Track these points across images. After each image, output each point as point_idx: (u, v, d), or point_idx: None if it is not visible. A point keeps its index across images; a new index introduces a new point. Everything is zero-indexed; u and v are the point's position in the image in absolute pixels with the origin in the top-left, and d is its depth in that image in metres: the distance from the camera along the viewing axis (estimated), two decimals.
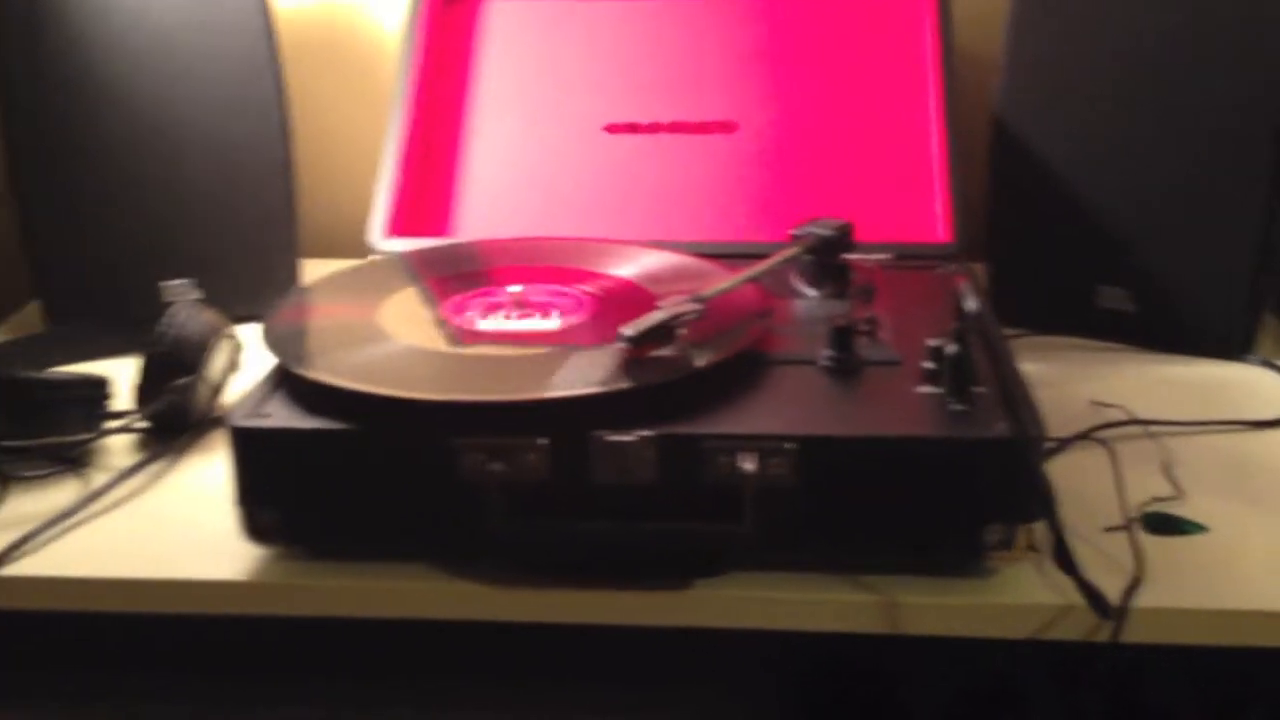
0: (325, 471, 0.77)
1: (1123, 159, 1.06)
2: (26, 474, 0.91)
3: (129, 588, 0.79)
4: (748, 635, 0.77)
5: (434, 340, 0.85)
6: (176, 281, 1.14)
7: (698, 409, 0.76)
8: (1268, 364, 1.04)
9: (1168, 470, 0.88)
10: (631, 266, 0.96)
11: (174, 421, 0.94)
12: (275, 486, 0.77)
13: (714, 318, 0.84)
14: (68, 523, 0.85)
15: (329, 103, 1.36)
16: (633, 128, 1.16)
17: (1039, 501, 0.73)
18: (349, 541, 0.79)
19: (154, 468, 0.92)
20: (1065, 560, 0.72)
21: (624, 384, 0.77)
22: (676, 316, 0.81)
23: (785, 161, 1.13)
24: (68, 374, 0.94)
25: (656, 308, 0.81)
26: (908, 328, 0.87)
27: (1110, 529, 0.80)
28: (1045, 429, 0.74)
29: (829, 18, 1.18)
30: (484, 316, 0.88)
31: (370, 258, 1.07)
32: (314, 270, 1.14)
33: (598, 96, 1.18)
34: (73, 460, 0.92)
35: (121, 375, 0.95)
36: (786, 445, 0.73)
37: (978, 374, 0.78)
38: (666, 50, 1.19)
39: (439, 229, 1.14)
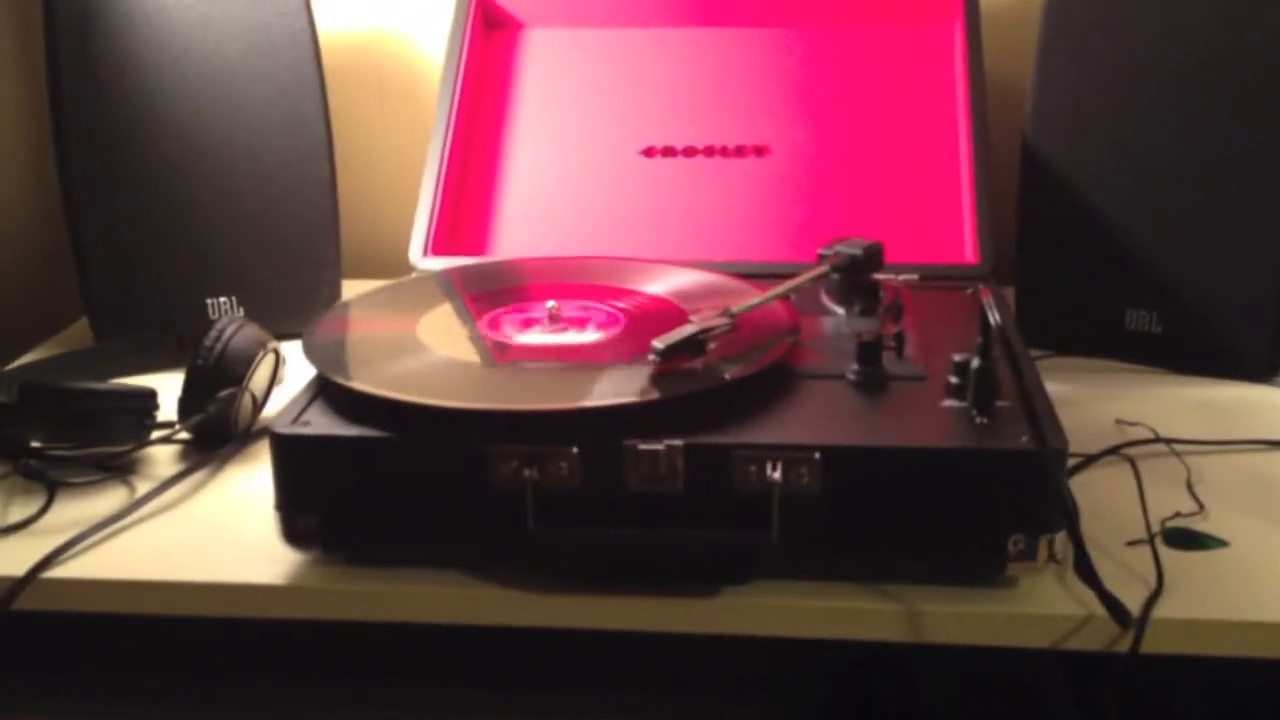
0: (363, 478, 0.79)
1: (1150, 183, 1.07)
2: (74, 480, 0.93)
3: (171, 590, 0.82)
4: (771, 641, 0.78)
5: (470, 353, 0.87)
6: (221, 299, 1.17)
7: (727, 420, 0.78)
8: None
9: (1190, 488, 0.89)
10: (663, 284, 0.98)
11: (217, 432, 0.96)
12: (314, 492, 0.80)
13: (744, 333, 0.86)
14: (113, 528, 0.87)
15: (371, 127, 1.39)
16: (667, 151, 1.18)
17: (1061, 513, 0.74)
18: (385, 547, 0.81)
19: (197, 477, 0.94)
20: (1086, 569, 0.74)
21: (655, 395, 0.79)
22: (707, 330, 0.83)
23: (816, 184, 1.15)
24: (116, 385, 0.96)
25: (688, 322, 0.83)
26: (934, 345, 0.89)
27: (1132, 543, 0.82)
28: (1068, 442, 0.75)
29: (861, 46, 1.21)
30: (519, 330, 0.90)
31: (410, 275, 1.09)
32: (354, 290, 1.16)
33: (633, 122, 1.20)
34: (119, 469, 0.95)
35: (166, 389, 0.98)
36: (813, 455, 0.75)
37: (1002, 388, 0.79)
38: (701, 77, 1.21)
39: (477, 249, 1.16)
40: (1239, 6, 1.02)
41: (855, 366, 0.84)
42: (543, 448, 0.77)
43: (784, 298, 0.92)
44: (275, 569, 0.82)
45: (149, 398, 0.96)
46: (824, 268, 0.96)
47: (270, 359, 1.00)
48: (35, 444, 0.96)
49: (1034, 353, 0.98)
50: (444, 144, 1.18)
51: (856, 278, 0.96)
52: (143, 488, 0.92)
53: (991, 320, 0.76)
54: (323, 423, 0.80)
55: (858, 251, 0.95)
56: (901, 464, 0.75)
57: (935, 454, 0.75)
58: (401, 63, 1.38)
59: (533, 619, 0.79)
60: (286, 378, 1.05)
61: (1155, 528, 0.83)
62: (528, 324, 0.91)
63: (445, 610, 0.80)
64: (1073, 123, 1.10)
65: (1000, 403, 0.79)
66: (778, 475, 0.75)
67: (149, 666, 0.93)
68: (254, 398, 0.98)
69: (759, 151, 1.18)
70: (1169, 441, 0.95)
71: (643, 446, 0.76)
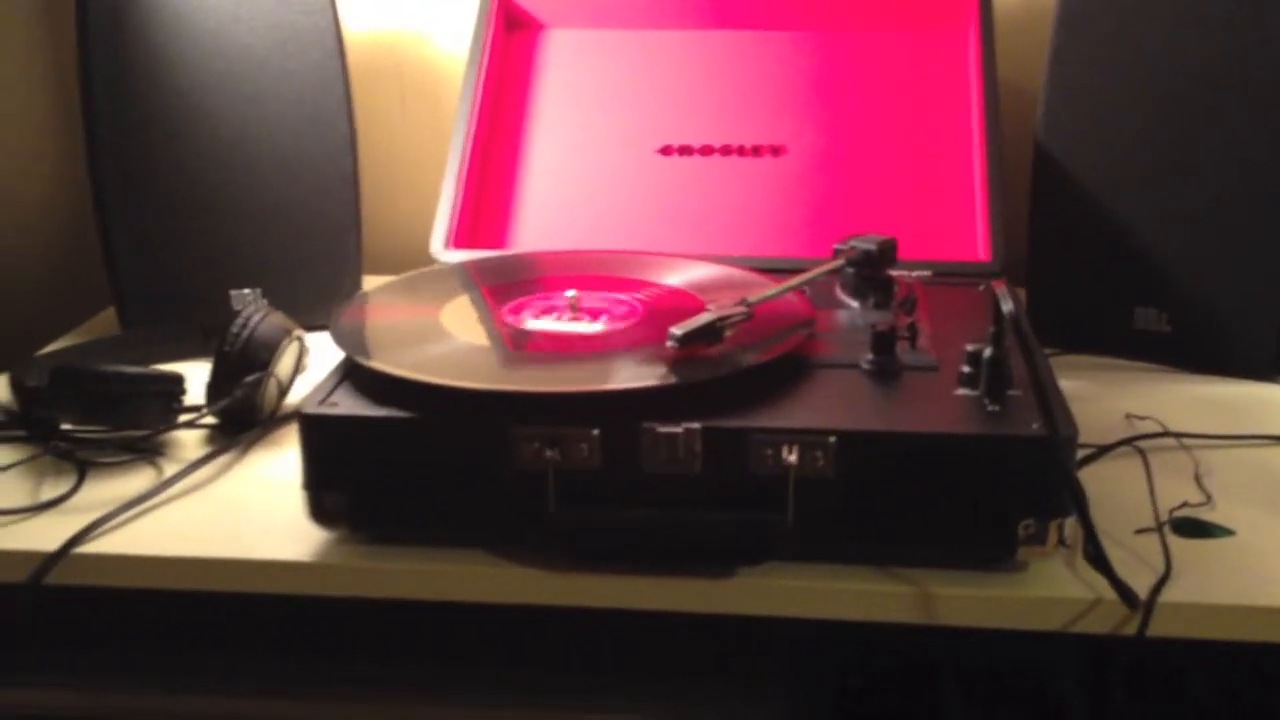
0: (388, 458, 0.81)
1: (1160, 184, 1.09)
2: (103, 461, 0.95)
3: (199, 566, 0.83)
4: (784, 622, 0.80)
5: (493, 338, 0.89)
6: (245, 290, 1.19)
7: (743, 405, 0.80)
8: None
9: (1198, 480, 0.90)
10: (680, 276, 1.00)
11: (243, 417, 0.99)
12: (341, 472, 0.82)
13: (760, 323, 0.87)
14: (142, 507, 0.89)
15: (393, 126, 1.42)
16: (684, 150, 1.21)
17: (1071, 497, 0.76)
18: (409, 526, 0.83)
19: (223, 459, 0.96)
20: (1095, 552, 0.75)
21: (673, 379, 0.80)
22: (724, 318, 0.84)
23: (832, 183, 1.18)
24: (145, 369, 0.98)
25: (705, 310, 0.85)
26: (947, 338, 0.91)
27: (1140, 531, 0.83)
28: (1078, 429, 0.77)
29: (876, 50, 1.23)
30: (540, 318, 0.92)
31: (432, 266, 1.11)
32: (374, 285, 1.19)
33: (651, 121, 1.22)
34: (147, 451, 0.97)
35: (192, 377, 1.00)
36: (828, 439, 0.77)
37: (1013, 378, 0.81)
38: (718, 78, 1.24)
39: (497, 243, 1.19)
40: (1248, 10, 1.04)
41: (869, 356, 0.86)
42: (564, 429, 0.78)
43: (799, 291, 0.94)
44: (301, 547, 0.84)
45: (177, 382, 0.98)
46: (839, 262, 0.97)
47: (295, 346, 1.02)
48: (66, 426, 0.98)
49: (1044, 351, 1.00)
50: (466, 140, 1.20)
51: (871, 272, 0.98)
52: (170, 469, 0.94)
53: (1004, 309, 0.78)
54: (350, 403, 0.82)
55: (872, 246, 0.97)
56: (914, 449, 0.77)
57: (948, 439, 0.77)
58: (423, 62, 1.40)
59: (552, 598, 0.81)
60: (309, 366, 1.08)
61: (1163, 517, 0.85)
62: (548, 312, 0.93)
63: (467, 588, 0.82)
64: (1084, 125, 1.12)
65: (1012, 392, 0.81)
66: (793, 458, 0.77)
67: (174, 645, 0.94)
68: (279, 383, 1.00)
69: (775, 151, 1.20)
70: (1178, 435, 0.96)
71: (662, 429, 0.78)
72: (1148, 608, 0.75)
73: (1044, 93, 1.14)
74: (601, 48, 1.27)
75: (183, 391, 0.99)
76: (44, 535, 0.85)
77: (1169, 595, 0.76)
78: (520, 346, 0.88)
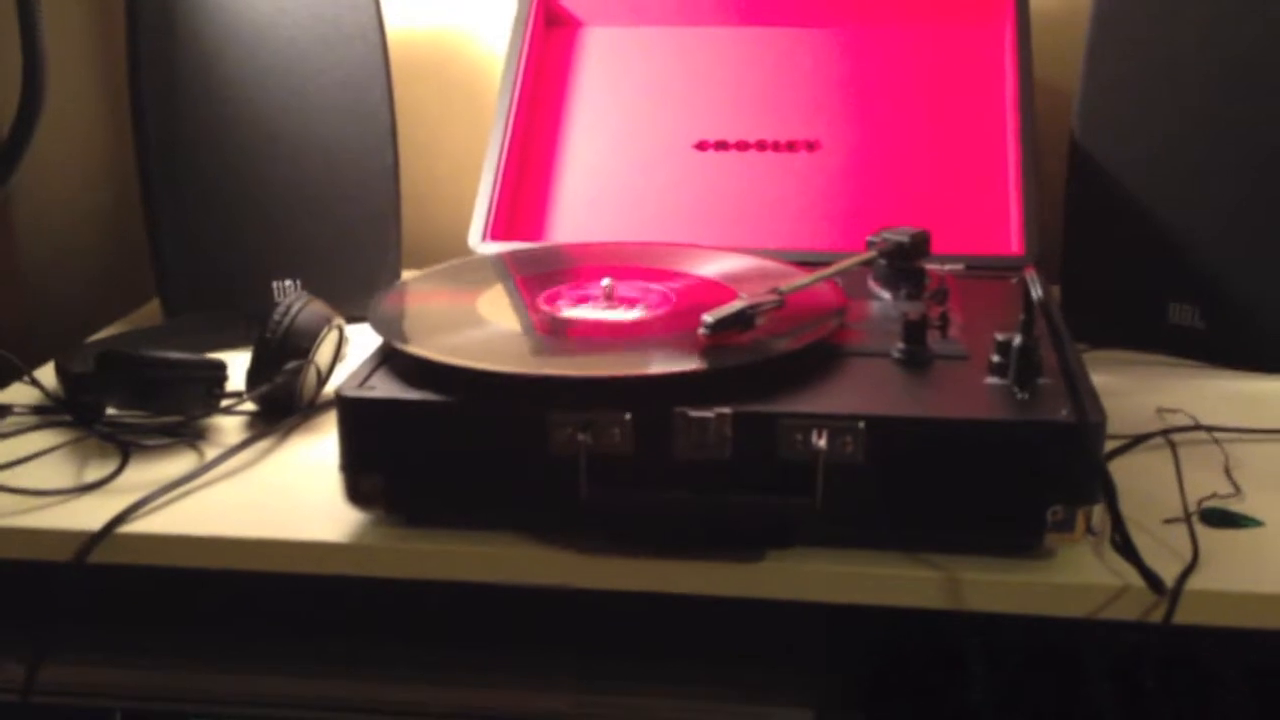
0: (424, 441, 0.82)
1: (1194, 181, 1.09)
2: (146, 444, 0.97)
3: (239, 546, 0.85)
4: (812, 606, 0.81)
5: (528, 325, 0.91)
6: (286, 281, 1.21)
7: (774, 392, 0.81)
8: None
9: (1228, 472, 0.91)
10: (713, 267, 1.01)
11: (283, 403, 1.00)
12: (378, 454, 0.83)
13: (792, 311, 0.88)
14: (183, 489, 0.91)
15: (433, 121, 1.43)
16: (720, 145, 1.22)
17: (1099, 484, 0.76)
18: (444, 508, 0.84)
19: (263, 444, 0.98)
20: (1123, 537, 0.76)
21: (705, 365, 0.82)
22: (756, 306, 0.85)
23: (866, 178, 1.18)
24: (188, 355, 1.00)
25: (737, 298, 0.86)
26: (977, 329, 0.91)
27: (1169, 520, 0.84)
28: (1106, 416, 0.77)
29: (912, 46, 1.23)
30: (575, 306, 0.93)
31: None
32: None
33: (687, 116, 1.24)
34: (188, 435, 0.99)
35: (234, 365, 1.02)
36: (857, 425, 0.78)
37: (1043, 367, 0.82)
38: (754, 74, 1.25)
39: (534, 235, 1.20)
40: None
41: (900, 344, 0.87)
42: (597, 414, 0.80)
43: (831, 281, 0.95)
44: (339, 528, 0.85)
45: (219, 368, 1.00)
46: (872, 253, 0.98)
47: (335, 335, 1.04)
48: (110, 411, 1.00)
49: (1077, 346, 1.00)
50: (504, 134, 1.22)
51: (903, 264, 0.98)
52: (211, 453, 0.96)
53: (1034, 295, 0.78)
54: (387, 387, 0.83)
55: (905, 239, 0.98)
56: (943, 434, 0.78)
57: (977, 425, 0.77)
58: (463, 59, 1.42)
59: (583, 580, 0.82)
60: (348, 356, 1.09)
61: (1192, 508, 0.85)
62: (583, 301, 0.94)
63: (500, 570, 0.83)
64: (1120, 121, 1.12)
65: (1042, 380, 0.81)
66: (823, 443, 0.78)
67: (214, 625, 0.96)
68: (319, 371, 1.02)
69: (810, 146, 1.21)
70: (1209, 429, 0.97)
71: (693, 414, 0.79)
72: (1174, 595, 0.76)
73: (1080, 89, 1.14)
74: (639, 44, 1.28)
75: (225, 378, 1.00)
76: (88, 515, 0.87)
77: (1196, 583, 0.77)
78: (555, 333, 0.89)
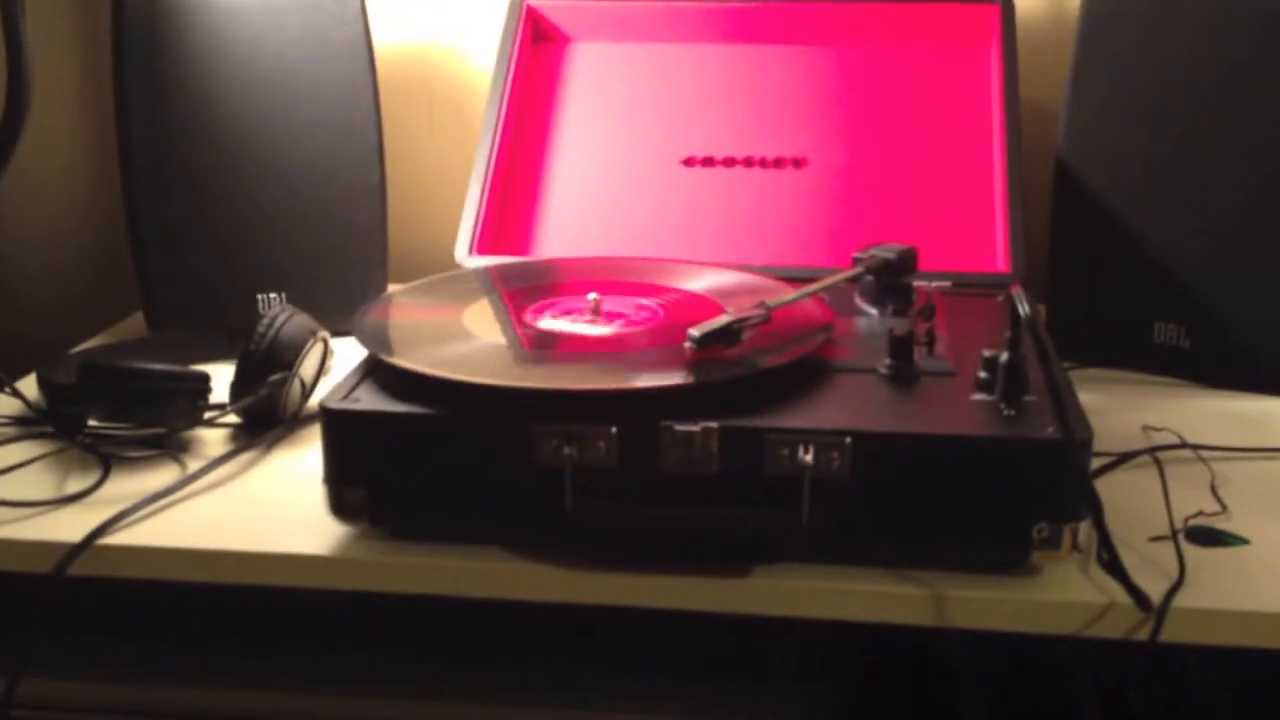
0: (409, 454, 0.82)
1: (1180, 201, 1.09)
2: (128, 455, 0.97)
3: (221, 559, 0.84)
4: (798, 623, 0.81)
5: (514, 339, 0.90)
6: (272, 295, 1.21)
7: (760, 406, 0.81)
8: None
9: (1214, 490, 0.91)
10: (700, 282, 1.01)
11: (266, 416, 1.00)
12: (362, 467, 0.82)
13: (779, 327, 0.88)
14: (165, 501, 0.90)
15: (420, 137, 1.43)
16: (707, 161, 1.22)
17: (1085, 501, 0.76)
18: (428, 521, 0.84)
19: (246, 456, 0.97)
20: (1109, 555, 0.76)
21: (691, 379, 0.81)
22: (742, 321, 0.85)
23: (853, 195, 1.19)
24: (171, 367, 0.99)
25: (724, 313, 0.86)
26: (964, 346, 0.91)
27: (1155, 538, 0.84)
28: (1093, 433, 0.77)
29: (899, 65, 1.24)
30: (561, 320, 0.93)
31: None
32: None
33: (675, 132, 1.24)
34: (171, 447, 0.99)
35: (217, 379, 1.01)
36: (844, 440, 0.77)
37: (1029, 384, 0.82)
38: (742, 92, 1.25)
39: (520, 250, 1.20)
40: (1270, 27, 1.05)
41: (887, 361, 0.87)
42: (582, 427, 0.79)
43: (818, 297, 0.95)
44: (322, 541, 0.84)
45: (202, 380, 0.99)
46: (859, 270, 0.98)
47: (319, 347, 1.03)
48: (92, 423, 1.00)
49: (1064, 364, 1.00)
50: (491, 149, 1.22)
51: (890, 281, 0.98)
52: (194, 465, 0.95)
53: (1021, 312, 0.78)
54: (372, 399, 0.83)
55: (892, 255, 0.98)
56: (930, 451, 0.78)
57: (963, 441, 0.77)
58: (450, 75, 1.42)
59: (567, 595, 0.82)
60: (333, 369, 1.09)
61: (1179, 526, 0.85)
62: (569, 314, 0.94)
63: (484, 584, 0.82)
64: (1105, 140, 1.13)
65: (1028, 397, 0.81)
66: (809, 459, 0.77)
67: (195, 639, 0.95)
68: (303, 384, 1.02)
69: (797, 163, 1.21)
70: (1195, 447, 0.97)
71: (679, 428, 0.79)
72: (1161, 612, 0.76)
73: (1066, 109, 1.15)
74: (626, 61, 1.28)
75: (208, 390, 1.00)
76: (68, 527, 0.86)
77: (1182, 601, 0.76)
78: (541, 346, 0.89)
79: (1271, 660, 0.78)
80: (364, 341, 0.89)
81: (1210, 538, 0.84)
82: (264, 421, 1.00)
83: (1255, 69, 1.06)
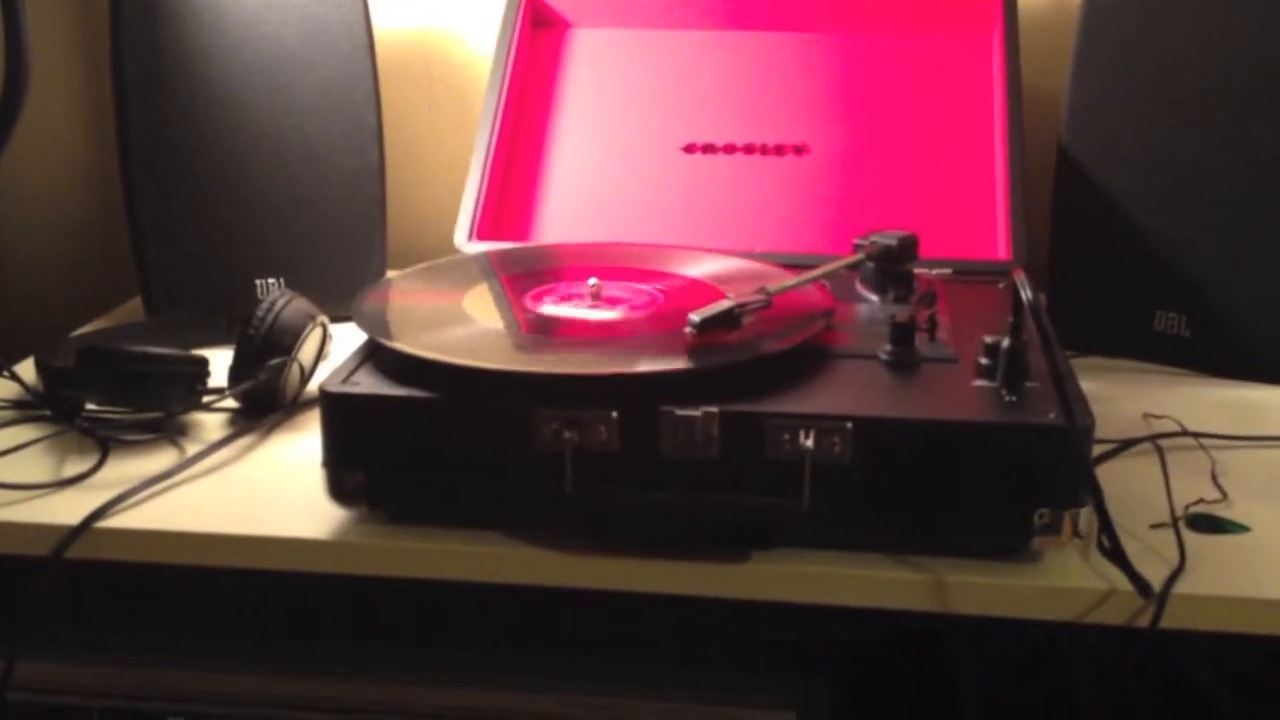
0: (408, 438, 0.81)
1: (1181, 189, 1.09)
2: (126, 438, 0.96)
3: (219, 543, 0.84)
4: (798, 608, 0.80)
5: (514, 323, 0.90)
6: (270, 280, 1.20)
7: (761, 392, 0.80)
8: None
9: (1215, 478, 0.90)
10: (700, 268, 1.01)
11: (265, 400, 0.99)
12: (361, 451, 0.82)
13: (779, 312, 0.88)
14: (163, 484, 0.90)
15: (419, 122, 1.43)
16: (708, 148, 1.21)
17: (1087, 487, 0.76)
18: (428, 506, 0.84)
19: (245, 441, 0.97)
20: (1111, 541, 0.76)
21: (692, 364, 0.81)
22: (743, 306, 0.85)
23: (854, 182, 1.18)
24: (169, 351, 0.99)
25: (724, 298, 0.86)
26: (966, 333, 0.91)
27: (1155, 525, 0.83)
28: (1094, 419, 0.77)
29: (901, 53, 1.23)
30: (562, 305, 0.93)
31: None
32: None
33: (675, 119, 1.23)
34: (169, 431, 0.98)
35: (216, 363, 1.01)
36: (845, 425, 0.77)
37: (1031, 370, 0.81)
38: (743, 78, 1.24)
39: (520, 237, 1.20)
40: (1273, 15, 1.04)
41: (888, 347, 0.86)
42: (583, 411, 0.79)
43: (819, 283, 0.94)
44: (320, 525, 0.84)
45: (201, 365, 0.99)
46: (860, 256, 0.98)
47: (318, 332, 1.03)
48: (90, 406, 0.99)
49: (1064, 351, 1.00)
50: (491, 135, 1.21)
51: (891, 267, 0.98)
52: (192, 449, 0.95)
53: (1024, 297, 0.78)
54: (371, 383, 0.82)
55: (893, 242, 0.98)
56: (931, 436, 0.77)
57: (965, 427, 0.77)
58: (450, 60, 1.41)
59: (567, 580, 0.81)
60: (331, 354, 1.08)
61: (1179, 513, 0.85)
62: (569, 300, 0.94)
63: (483, 569, 0.82)
64: (1107, 129, 1.13)
65: (1030, 383, 0.81)
66: (810, 444, 0.77)
67: (193, 623, 0.95)
68: (302, 368, 1.01)
69: (798, 150, 1.20)
70: (1196, 435, 0.96)
71: (680, 412, 0.78)
72: (1161, 599, 0.75)
73: (1068, 96, 1.14)
74: (627, 47, 1.28)
75: (207, 374, 0.99)
76: (67, 510, 0.86)
77: (1182, 587, 0.76)
78: (541, 331, 0.89)
79: (1271, 647, 0.78)
80: (363, 325, 0.88)
81: (1211, 525, 0.84)
82: (262, 406, 1.00)
83: (1257, 57, 1.05)
